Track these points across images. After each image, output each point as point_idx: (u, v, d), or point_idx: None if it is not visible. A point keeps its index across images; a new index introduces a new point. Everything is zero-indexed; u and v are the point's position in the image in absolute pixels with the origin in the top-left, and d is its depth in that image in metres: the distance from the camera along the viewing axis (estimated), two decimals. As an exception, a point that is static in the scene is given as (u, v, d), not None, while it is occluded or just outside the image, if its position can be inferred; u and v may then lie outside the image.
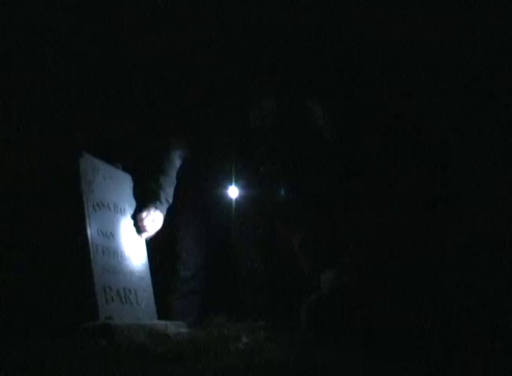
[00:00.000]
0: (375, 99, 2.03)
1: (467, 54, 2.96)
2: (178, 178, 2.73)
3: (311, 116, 2.12)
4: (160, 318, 2.42)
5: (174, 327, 2.22)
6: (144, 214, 2.52)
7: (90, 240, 2.13)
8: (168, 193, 2.63)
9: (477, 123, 2.90)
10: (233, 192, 2.77)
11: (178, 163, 2.75)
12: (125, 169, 2.63)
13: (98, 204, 2.29)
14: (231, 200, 2.78)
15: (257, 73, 2.85)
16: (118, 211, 2.46)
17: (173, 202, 2.67)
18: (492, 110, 2.92)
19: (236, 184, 2.77)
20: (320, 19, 3.06)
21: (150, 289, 2.47)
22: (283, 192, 2.61)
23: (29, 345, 1.66)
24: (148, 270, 2.52)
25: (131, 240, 2.48)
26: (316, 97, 2.08)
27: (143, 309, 2.34)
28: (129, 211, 2.55)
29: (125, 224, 2.48)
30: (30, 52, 3.02)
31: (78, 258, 2.10)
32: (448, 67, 2.98)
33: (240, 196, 2.78)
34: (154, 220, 2.53)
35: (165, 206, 2.61)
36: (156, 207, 2.55)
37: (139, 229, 2.52)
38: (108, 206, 2.37)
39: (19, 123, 2.85)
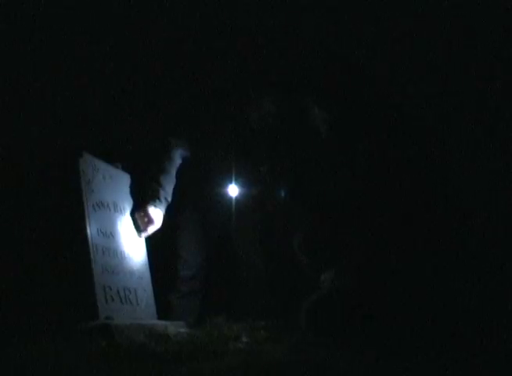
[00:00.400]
0: (374, 99, 2.03)
1: (467, 54, 2.96)
2: (178, 178, 2.73)
3: (310, 116, 2.12)
4: (160, 318, 2.42)
5: (174, 327, 2.22)
6: (142, 212, 2.52)
7: (90, 240, 2.13)
8: (168, 191, 2.63)
9: (477, 123, 2.90)
10: (233, 190, 2.77)
11: (178, 162, 2.74)
12: (125, 169, 2.63)
13: (98, 204, 2.29)
14: (231, 199, 2.78)
15: (258, 73, 2.85)
16: (118, 210, 2.46)
17: (173, 201, 2.66)
18: (492, 110, 2.92)
19: (236, 182, 2.77)
20: (320, 19, 3.06)
21: (150, 289, 2.47)
22: (282, 192, 2.62)
23: (29, 345, 1.66)
24: (148, 270, 2.52)
25: (131, 240, 2.48)
26: (315, 97, 2.08)
27: (143, 308, 2.34)
28: (129, 211, 2.55)
29: (125, 224, 2.48)
30: (30, 51, 3.02)
31: (78, 258, 2.10)
32: (448, 67, 2.98)
33: (240, 194, 2.78)
34: (153, 218, 2.53)
35: (164, 205, 2.61)
36: (155, 206, 2.55)
37: (137, 227, 2.53)
38: (108, 206, 2.37)
39: (19, 123, 2.85)
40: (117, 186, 2.51)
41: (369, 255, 1.82)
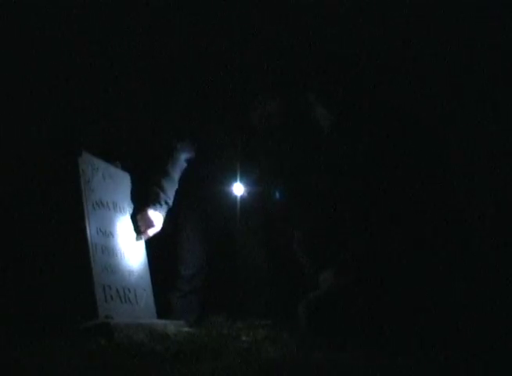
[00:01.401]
0: (375, 99, 2.03)
1: (467, 54, 2.96)
2: (180, 178, 2.72)
3: (312, 115, 2.12)
4: (160, 317, 2.42)
5: (174, 326, 2.22)
6: (142, 215, 2.53)
7: (89, 239, 2.13)
8: (169, 195, 2.62)
9: (477, 122, 2.90)
10: (239, 189, 2.76)
11: (182, 166, 2.73)
12: (124, 168, 2.63)
13: (97, 203, 2.29)
14: (234, 198, 2.77)
15: (260, 73, 2.85)
16: (117, 210, 2.45)
17: (175, 201, 2.66)
18: (491, 109, 2.92)
19: (241, 181, 2.76)
20: (321, 19, 3.06)
21: (150, 288, 2.47)
22: (281, 191, 2.62)
23: (29, 345, 1.66)
24: (147, 269, 2.52)
25: (131, 239, 2.47)
26: (317, 97, 2.08)
27: (142, 308, 2.34)
28: (128, 210, 2.55)
29: (124, 223, 2.48)
30: (30, 51, 3.02)
31: (78, 257, 2.10)
32: (448, 67, 2.98)
33: (245, 193, 2.77)
34: (153, 222, 2.53)
35: (165, 208, 2.60)
36: (155, 210, 2.55)
37: (137, 230, 2.52)
38: (107, 205, 2.37)
39: (19, 123, 2.85)
40: (116, 185, 2.51)
41: (369, 255, 1.82)
